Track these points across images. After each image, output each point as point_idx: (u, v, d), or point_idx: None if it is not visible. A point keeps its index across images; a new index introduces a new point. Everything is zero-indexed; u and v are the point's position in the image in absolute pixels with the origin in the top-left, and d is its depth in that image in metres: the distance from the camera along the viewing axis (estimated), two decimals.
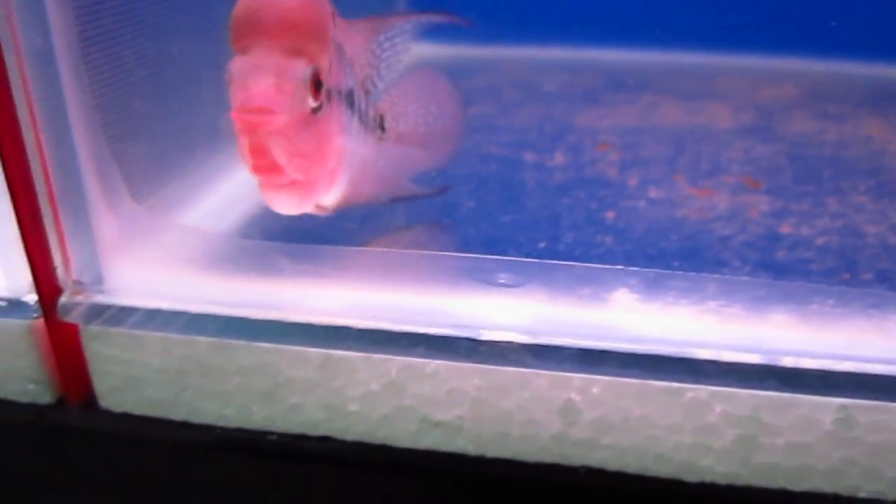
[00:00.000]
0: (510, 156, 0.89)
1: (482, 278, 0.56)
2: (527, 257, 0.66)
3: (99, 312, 0.62)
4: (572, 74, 1.25)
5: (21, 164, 0.58)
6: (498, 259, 0.57)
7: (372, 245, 0.72)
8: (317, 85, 0.54)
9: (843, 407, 0.53)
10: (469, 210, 0.75)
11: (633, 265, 0.65)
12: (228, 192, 0.79)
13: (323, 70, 0.54)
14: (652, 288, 0.57)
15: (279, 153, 0.53)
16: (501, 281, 0.56)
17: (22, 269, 0.61)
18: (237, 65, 0.52)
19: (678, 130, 0.96)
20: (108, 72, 0.61)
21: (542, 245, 0.68)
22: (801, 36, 1.21)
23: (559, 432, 0.57)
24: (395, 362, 0.57)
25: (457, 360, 0.56)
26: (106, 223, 0.61)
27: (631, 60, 1.27)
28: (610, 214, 0.73)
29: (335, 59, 0.58)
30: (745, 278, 0.61)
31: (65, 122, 0.57)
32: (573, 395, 0.56)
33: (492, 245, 0.69)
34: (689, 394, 0.54)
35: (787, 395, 0.53)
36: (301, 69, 0.53)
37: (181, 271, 0.62)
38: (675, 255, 0.66)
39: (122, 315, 0.62)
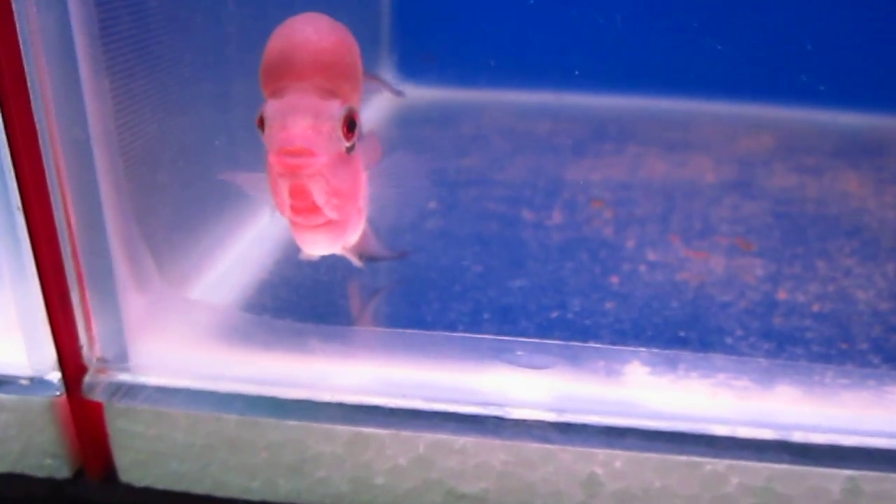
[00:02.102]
0: (508, 213, 0.92)
1: (509, 359, 0.59)
2: (540, 327, 0.69)
3: (123, 390, 0.63)
4: (555, 121, 1.28)
5: (52, 246, 0.59)
6: (523, 341, 0.60)
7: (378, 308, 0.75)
8: (350, 125, 0.54)
9: (850, 478, 0.56)
10: (477, 275, 0.78)
11: (642, 334, 0.68)
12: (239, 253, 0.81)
13: (356, 109, 0.55)
14: (667, 365, 0.60)
15: (318, 194, 0.53)
16: (526, 362, 0.58)
17: (47, 348, 0.62)
18: (273, 107, 0.52)
19: (666, 185, 1.00)
20: (141, 156, 0.62)
21: (553, 315, 0.70)
22: (774, 83, 1.26)
23: (582, 502, 0.59)
24: (424, 438, 0.59)
25: (484, 437, 0.58)
26: (133, 302, 0.62)
27: (610, 106, 1.31)
28: (614, 279, 0.76)
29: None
30: (757, 358, 0.64)
31: (97, 208, 0.58)
32: (597, 469, 0.58)
33: (504, 314, 0.71)
34: (708, 467, 0.57)
35: (798, 467, 0.56)
36: (337, 109, 0.53)
37: (209, 349, 0.63)
38: (681, 324, 0.69)
39: (147, 393, 0.62)
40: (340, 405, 0.59)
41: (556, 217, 0.90)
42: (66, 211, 0.58)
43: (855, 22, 1.23)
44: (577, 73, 1.37)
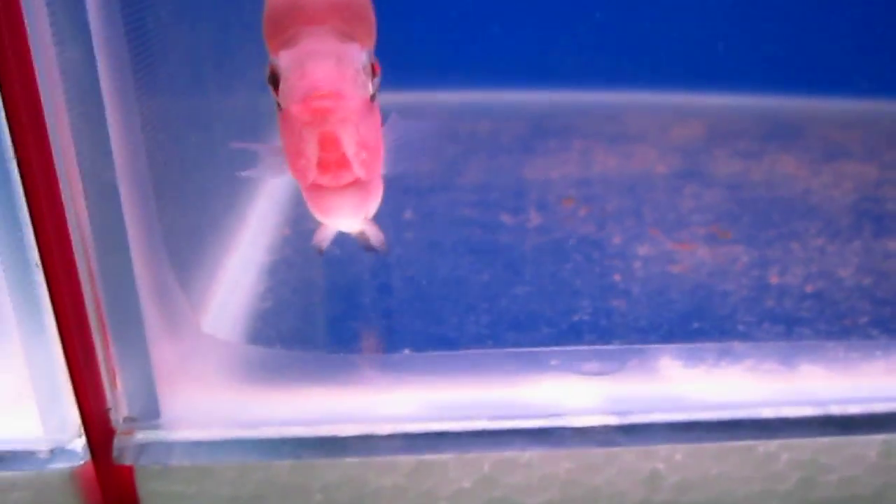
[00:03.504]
0: (486, 218, 0.92)
1: (569, 367, 0.60)
2: (563, 332, 0.70)
3: (156, 449, 0.58)
4: (494, 120, 1.30)
5: (74, 301, 0.53)
6: (582, 349, 0.61)
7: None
8: (373, 71, 0.50)
9: (884, 441, 0.61)
10: (482, 285, 0.78)
11: (660, 329, 0.71)
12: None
13: (375, 57, 0.51)
14: (697, 360, 0.63)
15: (348, 143, 0.48)
16: (589, 369, 0.59)
17: (69, 412, 0.57)
18: (290, 56, 0.48)
19: (624, 179, 1.04)
20: (173, 192, 0.58)
21: (575, 318, 0.72)
22: (694, 72, 1.33)
23: (644, 498, 0.61)
24: (488, 458, 0.59)
25: (549, 448, 0.59)
26: (164, 352, 0.57)
27: (543, 101, 1.34)
28: (617, 277, 0.78)
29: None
30: (775, 342, 0.68)
31: (125, 254, 0.53)
32: (658, 465, 0.60)
33: (524, 323, 0.71)
34: (760, 448, 0.60)
35: (839, 437, 0.60)
36: (359, 52, 0.49)
37: (249, 393, 0.59)
38: (692, 316, 0.72)
39: (183, 448, 0.58)
40: (402, 435, 0.58)
41: (535, 218, 0.92)
42: (88, 261, 0.53)
43: (768, 7, 1.32)
44: (510, 69, 1.39)
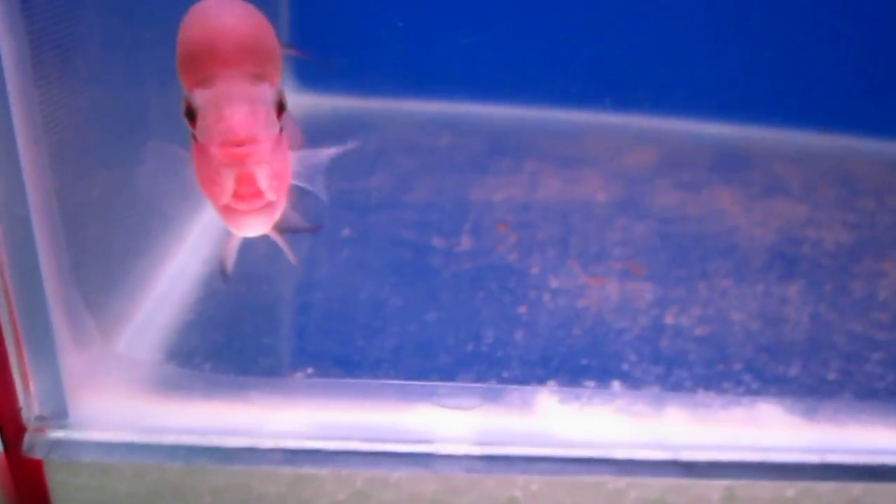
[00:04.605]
0: (419, 240, 0.98)
1: (438, 401, 0.65)
2: (458, 361, 0.76)
3: (64, 446, 0.65)
4: (455, 134, 1.34)
5: None
6: (450, 385, 0.67)
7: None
8: (280, 107, 0.54)
9: (727, 487, 0.66)
10: (396, 309, 0.83)
11: (549, 363, 0.76)
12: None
13: (283, 90, 0.55)
14: (573, 398, 0.68)
15: (262, 179, 0.53)
16: (453, 403, 0.65)
17: None
18: (206, 97, 0.52)
19: (562, 206, 1.08)
20: (78, 223, 0.64)
21: (468, 347, 0.77)
22: (655, 96, 1.37)
23: None
24: (361, 475, 0.65)
25: (416, 469, 0.65)
26: (73, 361, 0.64)
27: (507, 116, 1.38)
28: (522, 310, 0.83)
29: None
30: (649, 386, 0.73)
31: (36, 274, 0.59)
32: (516, 492, 0.66)
33: (424, 349, 0.77)
34: (610, 485, 0.66)
35: (685, 480, 0.66)
36: (269, 93, 0.53)
37: (150, 403, 0.66)
38: (583, 352, 0.77)
39: (88, 447, 0.65)
40: (282, 450, 0.64)
41: (465, 243, 0.97)
42: (4, 281, 0.59)
43: (726, 32, 1.35)
44: (476, 83, 1.43)
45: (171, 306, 0.80)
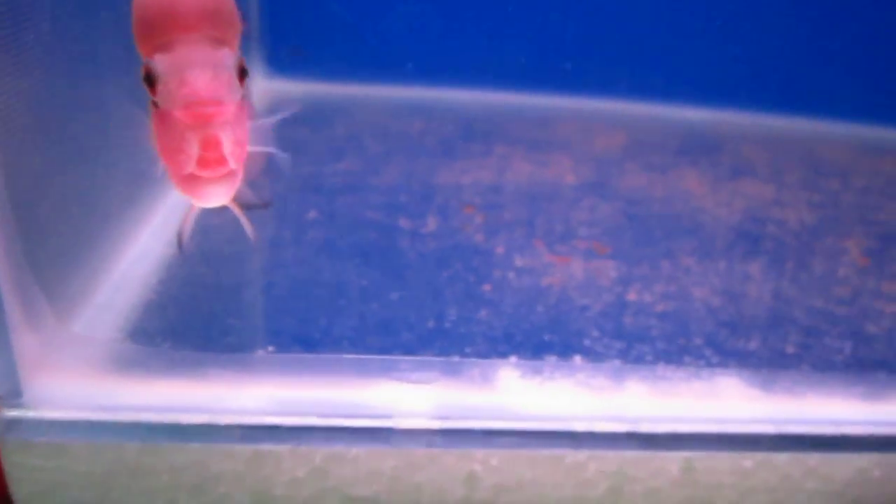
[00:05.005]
0: (385, 222, 0.97)
1: (397, 376, 0.65)
2: (420, 338, 0.76)
3: (18, 426, 0.64)
4: (426, 120, 1.34)
5: None
6: (409, 359, 0.66)
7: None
8: (242, 72, 0.54)
9: (686, 458, 0.66)
10: (360, 289, 0.83)
11: (512, 340, 0.76)
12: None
13: (242, 58, 0.55)
14: (534, 372, 0.68)
15: (227, 143, 0.53)
16: (413, 378, 0.65)
17: None
18: (168, 62, 0.51)
19: (530, 188, 1.08)
20: (31, 206, 0.63)
21: (430, 324, 0.77)
22: (626, 79, 1.37)
23: (463, 497, 0.67)
24: (320, 452, 0.65)
25: (375, 446, 0.64)
26: (26, 341, 0.63)
27: (478, 101, 1.38)
28: (487, 287, 0.83)
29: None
30: (610, 360, 0.73)
31: None
32: (476, 466, 0.66)
33: (387, 327, 0.77)
34: (569, 458, 0.66)
35: (644, 452, 0.66)
36: (230, 57, 0.53)
37: (106, 381, 0.65)
38: (546, 328, 0.77)
39: (43, 427, 0.64)
40: (240, 426, 0.63)
41: (431, 224, 0.97)
42: None
43: (697, 17, 1.35)
44: (447, 68, 1.43)
45: (132, 287, 0.80)
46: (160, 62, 0.52)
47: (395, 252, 0.91)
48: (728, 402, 0.69)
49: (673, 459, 0.66)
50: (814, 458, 0.66)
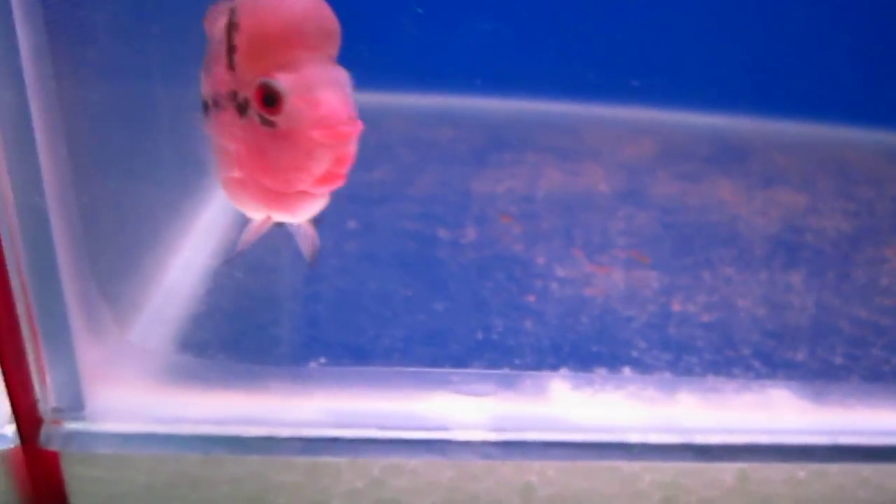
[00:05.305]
0: (424, 231, 0.98)
1: (453, 388, 0.66)
2: (469, 349, 0.77)
3: (80, 438, 0.65)
4: (455, 128, 1.35)
5: (6, 307, 0.60)
6: (464, 371, 0.67)
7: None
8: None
9: (740, 469, 0.67)
10: (405, 299, 0.84)
11: (560, 351, 0.77)
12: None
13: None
14: (586, 384, 0.69)
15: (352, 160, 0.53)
16: (470, 391, 0.66)
17: (2, 403, 0.63)
18: (296, 81, 0.51)
19: (564, 197, 1.09)
20: (93, 214, 0.64)
21: (478, 336, 0.78)
22: (652, 87, 1.38)
23: None
24: (378, 463, 0.65)
25: (432, 457, 0.65)
26: (89, 354, 0.64)
27: (507, 109, 1.39)
28: (531, 298, 0.84)
29: None
30: (660, 371, 0.74)
31: (53, 268, 0.59)
32: (532, 478, 0.66)
33: (434, 338, 0.77)
34: (624, 469, 0.66)
35: (698, 463, 0.67)
36: (347, 76, 0.53)
37: (165, 393, 0.66)
38: (593, 339, 0.78)
39: (104, 439, 0.65)
40: (299, 439, 0.64)
41: (470, 234, 0.97)
42: (20, 275, 0.59)
43: (725, 25, 1.36)
44: (475, 77, 1.44)
45: (181, 298, 0.80)
46: (287, 81, 0.51)
47: (435, 262, 0.91)
48: (780, 413, 0.69)
49: (727, 470, 0.67)
50: (867, 469, 0.67)
